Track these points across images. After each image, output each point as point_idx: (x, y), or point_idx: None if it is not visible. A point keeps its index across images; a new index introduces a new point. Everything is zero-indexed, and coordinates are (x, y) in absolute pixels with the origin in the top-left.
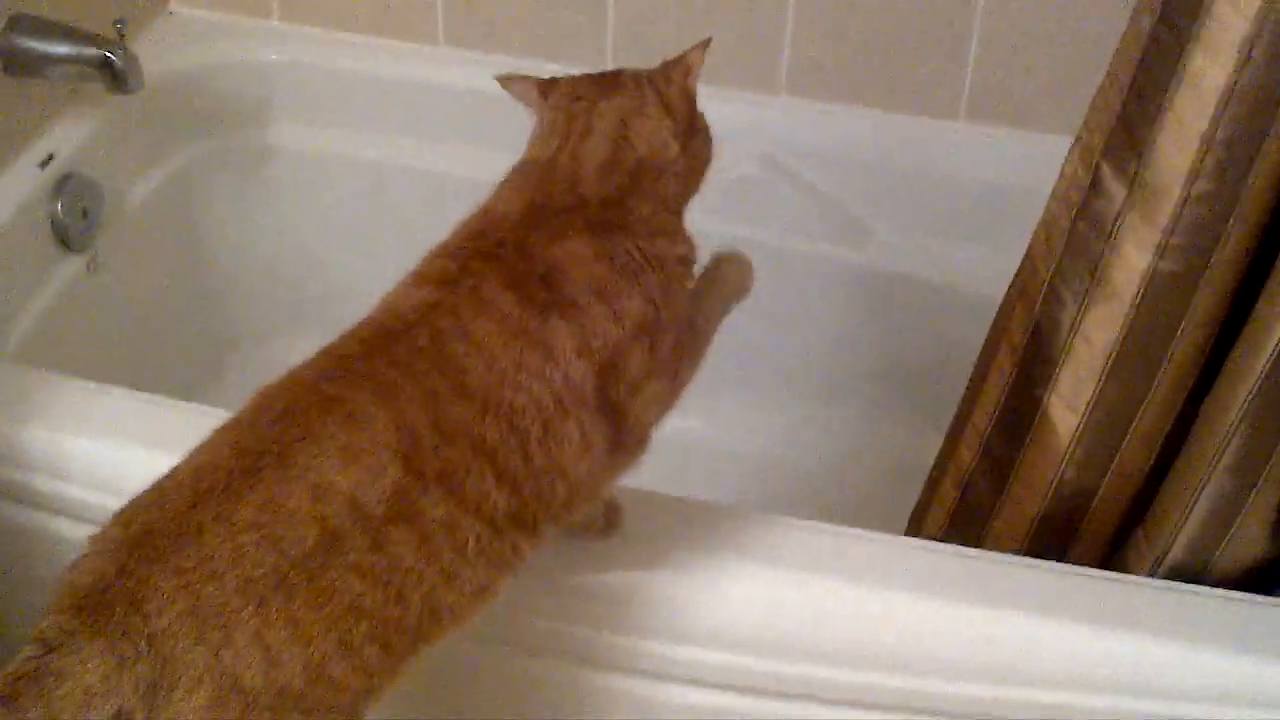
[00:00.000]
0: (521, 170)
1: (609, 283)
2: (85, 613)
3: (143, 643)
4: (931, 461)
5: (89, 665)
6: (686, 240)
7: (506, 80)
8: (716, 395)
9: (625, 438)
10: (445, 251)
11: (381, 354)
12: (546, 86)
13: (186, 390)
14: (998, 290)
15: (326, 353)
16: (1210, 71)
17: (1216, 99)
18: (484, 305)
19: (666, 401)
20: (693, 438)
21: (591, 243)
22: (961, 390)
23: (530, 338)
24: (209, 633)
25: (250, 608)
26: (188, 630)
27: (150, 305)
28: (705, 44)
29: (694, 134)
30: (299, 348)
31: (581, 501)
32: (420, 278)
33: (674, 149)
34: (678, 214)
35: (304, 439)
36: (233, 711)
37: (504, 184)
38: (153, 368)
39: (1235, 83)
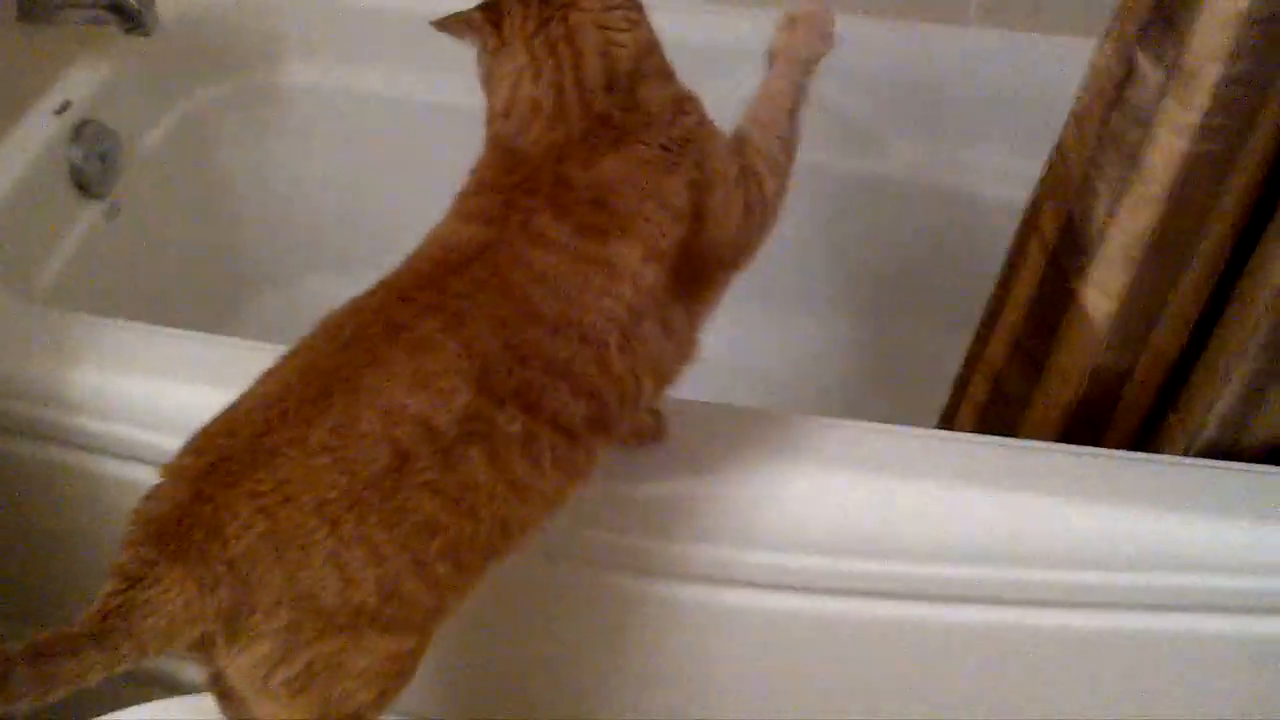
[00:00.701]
0: (529, 109)
1: (656, 184)
2: (164, 541)
3: (222, 567)
4: (955, 365)
5: (171, 593)
6: (690, 97)
7: (445, 24)
8: (734, 311)
9: (716, 281)
10: (484, 188)
11: (443, 286)
12: (493, 17)
13: (205, 329)
14: (1014, 193)
15: (386, 285)
16: None
17: None
18: (539, 238)
19: (754, 221)
20: (712, 354)
21: (625, 154)
22: (982, 293)
23: (594, 261)
24: (286, 554)
25: (326, 529)
26: (266, 553)
27: (169, 248)
28: None
29: None
30: (317, 286)
31: (674, 378)
32: (466, 215)
33: (645, 22)
34: (674, 76)
35: (372, 364)
36: (310, 631)
37: (512, 120)
38: (173, 309)
39: None
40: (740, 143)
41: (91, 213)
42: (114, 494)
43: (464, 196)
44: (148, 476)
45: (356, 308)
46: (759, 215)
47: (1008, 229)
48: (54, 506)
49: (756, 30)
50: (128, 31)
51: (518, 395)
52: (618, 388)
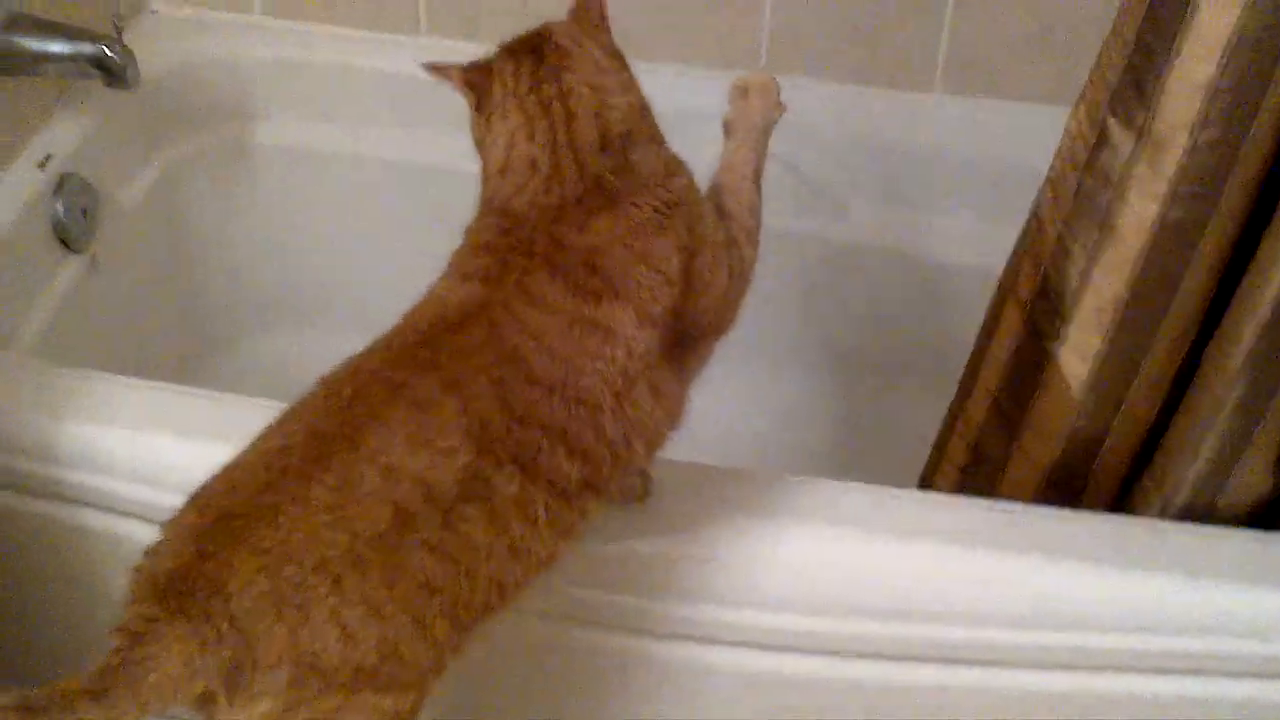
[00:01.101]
0: (525, 168)
1: (649, 247)
2: (167, 598)
3: (225, 624)
4: (925, 428)
5: (173, 650)
6: (679, 162)
7: (439, 70)
8: (712, 373)
9: (701, 348)
10: (479, 248)
11: (441, 346)
12: (482, 80)
13: (181, 380)
14: (980, 258)
15: (385, 344)
16: (1216, 20)
17: (1222, 47)
18: (535, 299)
19: (735, 286)
20: (689, 415)
21: (618, 216)
22: (951, 356)
23: (588, 324)
24: (288, 612)
25: (327, 586)
26: (268, 610)
27: (148, 302)
28: None
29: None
30: (291, 340)
31: (663, 443)
32: (463, 275)
33: (637, 87)
34: (663, 140)
35: (373, 423)
36: (310, 690)
37: (508, 180)
38: (150, 362)
39: (1240, 30)
40: (718, 210)
41: (73, 266)
42: (98, 546)
43: (460, 256)
44: (132, 529)
45: (356, 367)
46: (739, 281)
47: (974, 292)
48: (38, 560)
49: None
50: (111, 86)
51: (515, 456)
52: (610, 450)
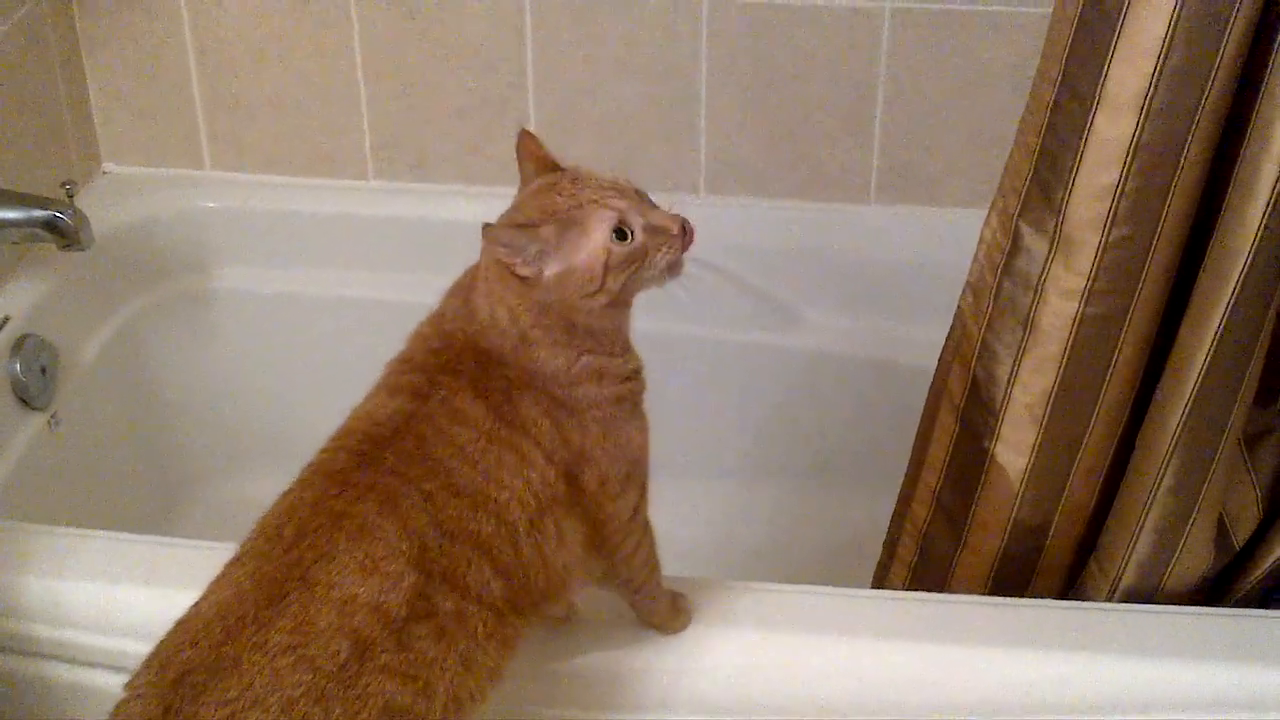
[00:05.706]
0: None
1: (553, 411)
2: None
3: None
4: (876, 530)
5: None
6: (617, 370)
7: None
8: (662, 485)
9: (603, 543)
10: (411, 366)
11: (374, 464)
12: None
13: (147, 530)
14: (923, 360)
15: (319, 471)
16: (1114, 129)
17: (1123, 153)
18: (458, 414)
19: (641, 519)
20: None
21: (531, 381)
22: (898, 457)
23: (505, 443)
24: None
25: None
26: None
27: (111, 453)
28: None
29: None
30: (257, 482)
31: (559, 594)
32: (392, 390)
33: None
34: (599, 350)
35: (322, 559)
36: None
37: (452, 296)
38: (116, 513)
39: (1138, 136)
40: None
41: (34, 424)
42: (65, 699)
43: (391, 371)
44: (96, 679)
45: (293, 504)
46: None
47: (920, 391)
48: (6, 715)
49: None
50: (65, 248)
51: (447, 574)
52: (523, 572)
